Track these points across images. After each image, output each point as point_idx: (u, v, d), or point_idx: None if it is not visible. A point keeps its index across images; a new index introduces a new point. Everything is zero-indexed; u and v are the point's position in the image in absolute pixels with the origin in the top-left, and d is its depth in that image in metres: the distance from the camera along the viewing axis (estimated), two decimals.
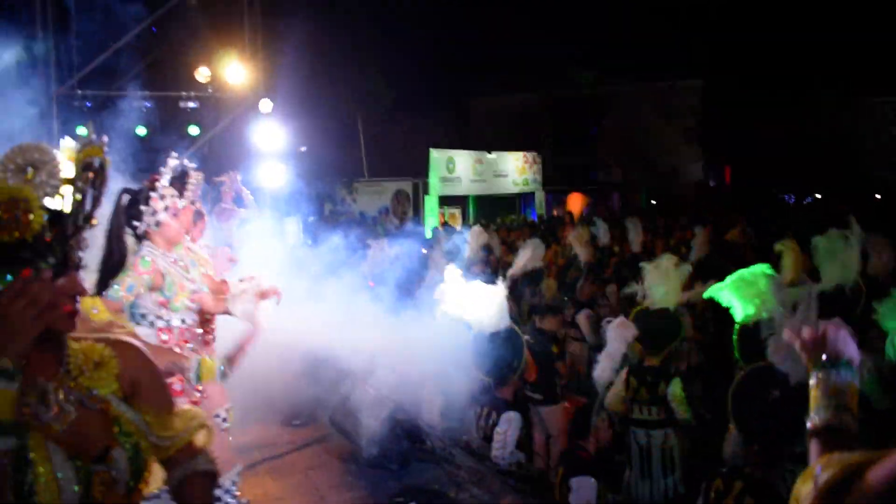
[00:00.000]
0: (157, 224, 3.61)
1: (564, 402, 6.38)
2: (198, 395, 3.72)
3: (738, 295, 4.63)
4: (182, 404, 2.53)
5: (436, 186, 19.50)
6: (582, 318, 7.69)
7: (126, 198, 3.58)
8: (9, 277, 1.41)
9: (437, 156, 19.62)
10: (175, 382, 3.52)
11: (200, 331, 3.90)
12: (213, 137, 12.19)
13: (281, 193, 11.75)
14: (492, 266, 9.73)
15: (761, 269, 4.70)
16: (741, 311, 4.59)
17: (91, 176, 1.51)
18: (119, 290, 3.50)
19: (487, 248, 10.57)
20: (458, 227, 18.07)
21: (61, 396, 1.54)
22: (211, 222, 5.94)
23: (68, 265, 1.48)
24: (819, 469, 1.27)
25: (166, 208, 3.62)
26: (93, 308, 3.61)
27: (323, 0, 20.05)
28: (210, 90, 12.55)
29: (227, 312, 3.90)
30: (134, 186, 3.69)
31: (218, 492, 3.61)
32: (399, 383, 5.44)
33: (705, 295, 4.83)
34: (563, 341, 7.78)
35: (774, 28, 24.78)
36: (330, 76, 20.98)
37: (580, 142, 28.77)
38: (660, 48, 24.93)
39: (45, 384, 1.52)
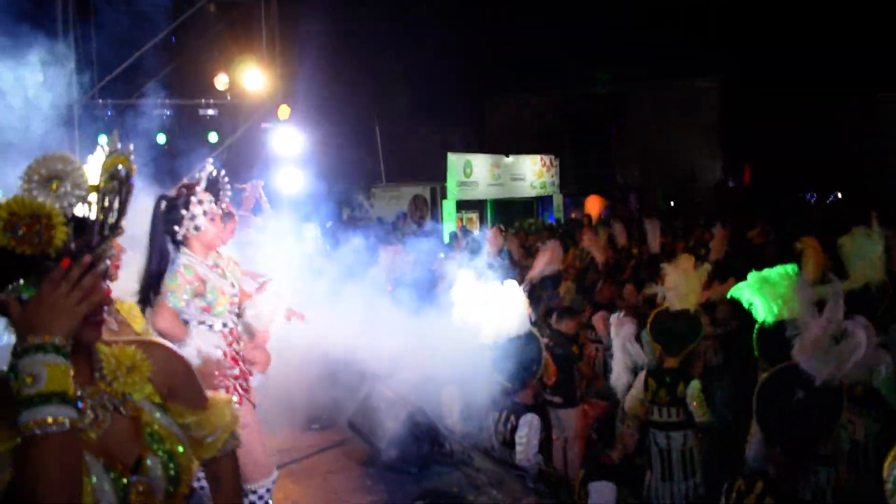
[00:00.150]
0: (197, 228, 3.66)
1: (583, 404, 6.36)
2: (243, 394, 3.75)
3: (761, 295, 4.60)
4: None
5: (453, 191, 19.50)
6: (598, 321, 7.65)
7: (164, 204, 3.64)
8: (32, 290, 1.43)
9: (454, 160, 19.63)
10: (221, 385, 3.57)
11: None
12: (232, 144, 12.28)
13: (299, 199, 11.81)
14: (510, 270, 9.71)
15: (785, 269, 4.66)
16: (763, 311, 4.56)
17: (117, 185, 1.52)
18: (178, 297, 3.55)
19: (506, 252, 10.55)
20: (476, 231, 18.07)
21: (97, 402, 1.57)
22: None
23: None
24: None
25: (205, 213, 3.67)
26: (130, 312, 3.67)
27: (340, 6, 20.14)
28: (229, 97, 12.66)
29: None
30: (170, 193, 3.74)
31: (253, 497, 3.65)
32: (418, 386, 5.46)
33: (727, 294, 4.81)
34: (581, 343, 7.76)
35: (794, 26, 24.59)
36: (347, 82, 21.08)
37: (598, 144, 28.68)
38: (677, 48, 24.83)
39: (81, 390, 1.53)
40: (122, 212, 1.54)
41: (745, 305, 4.65)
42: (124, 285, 3.62)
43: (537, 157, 22.95)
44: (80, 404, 1.51)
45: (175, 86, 12.14)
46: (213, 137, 12.47)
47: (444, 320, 5.84)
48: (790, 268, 4.70)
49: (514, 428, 4.81)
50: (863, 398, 4.57)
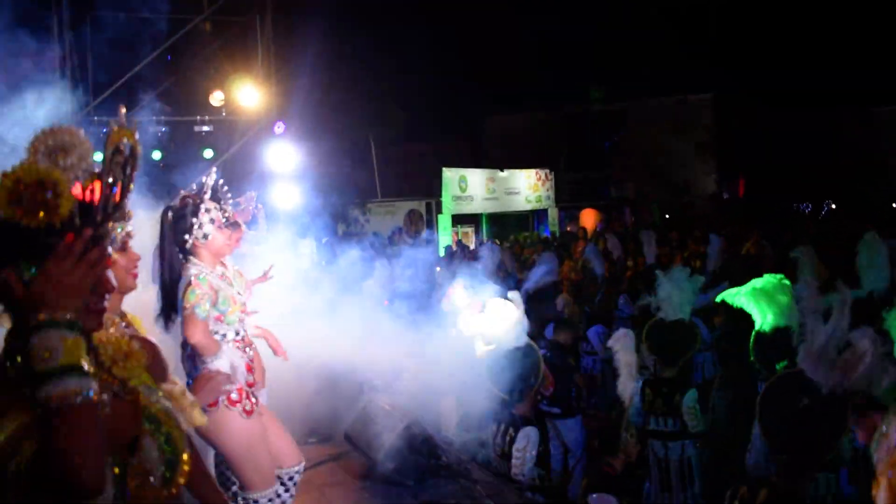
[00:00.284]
0: (205, 237, 3.66)
1: (581, 415, 6.36)
2: (255, 401, 3.74)
3: (756, 302, 4.62)
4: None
5: (449, 205, 19.54)
6: (595, 334, 7.69)
7: (171, 214, 3.65)
8: (33, 271, 1.43)
9: (449, 175, 19.68)
10: (233, 391, 3.57)
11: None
12: (227, 160, 12.30)
13: (294, 214, 11.81)
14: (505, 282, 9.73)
15: (777, 278, 4.69)
16: (761, 318, 4.58)
17: (121, 160, 1.50)
18: (203, 308, 3.55)
19: (502, 265, 10.57)
20: (472, 246, 18.08)
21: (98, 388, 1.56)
22: None
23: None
24: (885, 427, 1.32)
25: (212, 221, 3.68)
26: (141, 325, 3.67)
27: (335, 23, 20.24)
28: (224, 113, 12.70)
29: None
30: (174, 203, 3.75)
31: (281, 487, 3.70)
32: (415, 399, 5.45)
33: (719, 298, 4.82)
34: (578, 354, 7.77)
35: (787, 41, 24.80)
36: (342, 97, 21.17)
37: (593, 158, 28.78)
38: (671, 64, 25.01)
39: None
40: (126, 189, 1.52)
41: (744, 311, 4.66)
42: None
43: (532, 172, 23.02)
44: None
45: (171, 102, 12.18)
46: (208, 153, 12.48)
47: (441, 332, 5.85)
48: (779, 277, 4.73)
49: (511, 440, 4.80)
50: (864, 407, 4.58)
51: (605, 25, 26.05)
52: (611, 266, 10.28)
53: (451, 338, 5.93)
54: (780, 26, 25.52)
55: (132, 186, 1.54)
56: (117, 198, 1.51)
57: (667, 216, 24.44)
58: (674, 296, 5.51)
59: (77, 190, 1.47)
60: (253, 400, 3.70)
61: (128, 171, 1.52)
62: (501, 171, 21.95)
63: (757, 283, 4.66)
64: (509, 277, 10.25)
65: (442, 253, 15.35)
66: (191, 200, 3.69)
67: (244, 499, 3.63)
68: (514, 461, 4.70)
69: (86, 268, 1.41)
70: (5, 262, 1.44)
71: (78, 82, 10.70)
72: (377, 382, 5.51)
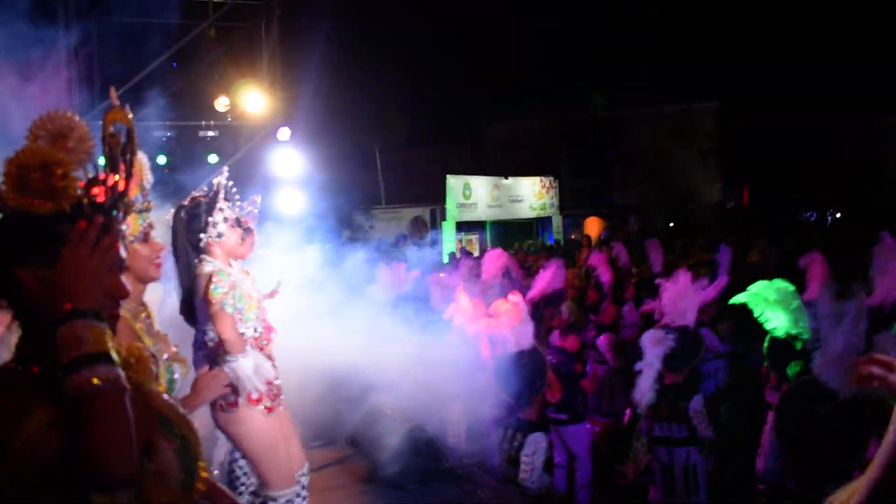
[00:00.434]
0: (219, 236, 3.68)
1: (588, 421, 6.34)
2: (276, 399, 3.73)
3: (769, 307, 4.60)
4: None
5: (453, 212, 19.55)
6: (603, 342, 7.63)
7: (184, 214, 3.66)
8: (46, 266, 1.41)
9: (453, 182, 19.69)
10: (253, 392, 3.57)
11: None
12: (232, 165, 12.32)
13: (299, 220, 11.83)
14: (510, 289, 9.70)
15: (784, 284, 4.67)
16: (773, 323, 4.55)
17: (118, 142, 1.49)
18: (230, 304, 3.55)
19: (506, 273, 10.54)
20: (476, 253, 18.08)
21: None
22: None
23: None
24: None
25: (225, 220, 3.70)
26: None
27: (339, 29, 20.33)
28: (229, 119, 12.73)
29: None
30: (186, 203, 3.77)
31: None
32: (418, 403, 5.43)
33: (732, 302, 4.79)
34: (586, 361, 7.73)
35: (790, 49, 24.80)
36: (347, 104, 21.22)
37: (597, 165, 28.80)
38: (674, 71, 25.02)
39: None
40: (128, 174, 1.50)
41: (756, 316, 4.64)
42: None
43: (536, 179, 23.04)
44: None
45: (176, 107, 12.21)
46: (213, 159, 12.51)
47: (445, 336, 5.85)
48: (785, 282, 4.72)
49: (520, 446, 4.73)
50: (879, 414, 4.55)
51: (608, 31, 26.08)
52: (616, 273, 10.24)
53: (455, 341, 5.93)
54: (783, 30, 25.53)
55: (136, 170, 1.53)
56: (122, 183, 1.49)
57: (671, 224, 24.42)
58: (677, 301, 5.49)
59: (82, 174, 1.46)
60: (274, 398, 3.70)
61: (127, 155, 1.50)
62: (506, 178, 21.96)
63: (766, 288, 4.64)
64: (514, 284, 10.23)
65: (446, 260, 15.35)
66: (204, 200, 3.71)
67: (264, 496, 3.64)
68: (522, 467, 4.65)
69: (101, 255, 1.40)
70: (18, 261, 1.43)
71: (82, 87, 10.72)
72: (381, 386, 5.49)
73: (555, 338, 6.72)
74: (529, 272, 11.61)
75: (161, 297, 4.34)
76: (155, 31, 11.38)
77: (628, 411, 5.54)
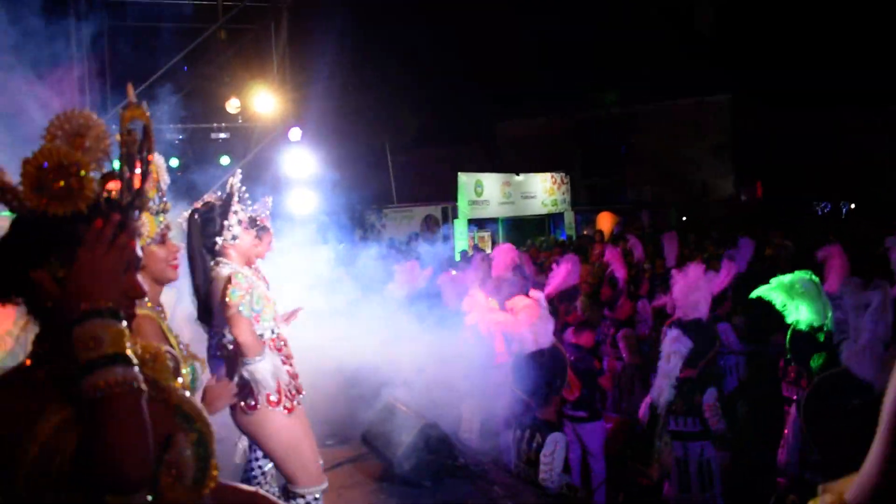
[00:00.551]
0: (234, 238, 3.70)
1: (603, 419, 6.31)
2: (296, 399, 3.75)
3: (791, 299, 4.56)
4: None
5: (465, 210, 19.52)
6: (622, 338, 7.59)
7: (198, 217, 3.68)
8: (63, 267, 1.41)
9: (465, 179, 19.67)
10: (272, 394, 3.59)
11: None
12: (244, 166, 12.38)
13: (311, 220, 11.87)
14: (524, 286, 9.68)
15: (808, 274, 4.63)
16: (796, 315, 4.51)
17: (135, 140, 1.48)
18: (247, 307, 3.57)
19: (520, 269, 10.51)
20: (489, 251, 18.05)
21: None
22: None
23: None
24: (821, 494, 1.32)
25: (240, 222, 3.72)
26: None
27: (349, 30, 20.35)
28: (240, 120, 12.78)
29: None
30: (199, 206, 3.78)
31: (300, 501, 3.68)
32: (432, 400, 5.44)
33: (753, 295, 4.76)
34: (600, 357, 7.70)
35: (802, 40, 24.62)
36: (358, 103, 21.24)
37: (609, 162, 28.70)
38: (686, 66, 24.90)
39: None
40: (145, 172, 1.50)
41: (779, 309, 4.61)
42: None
43: (548, 175, 22.97)
44: None
45: (187, 109, 12.27)
46: (224, 160, 12.57)
47: (459, 333, 5.84)
48: (809, 273, 4.68)
49: (539, 446, 4.63)
50: None
51: (616, 29, 25.98)
52: (631, 269, 10.18)
53: (469, 338, 5.92)
54: (796, 25, 25.34)
55: (153, 169, 1.53)
56: (138, 181, 1.49)
57: (684, 219, 24.31)
58: (690, 295, 5.47)
59: (99, 174, 1.47)
60: (293, 397, 3.71)
61: (144, 152, 1.50)
62: (517, 175, 21.92)
63: (788, 280, 4.60)
64: (527, 281, 10.21)
65: (458, 258, 15.34)
66: (218, 203, 3.73)
67: (292, 493, 3.66)
68: (542, 467, 4.55)
69: (118, 253, 1.41)
70: (35, 261, 1.43)
71: (94, 88, 10.80)
72: (395, 383, 5.50)
73: (569, 334, 6.70)
74: (542, 268, 11.58)
75: (174, 300, 4.36)
76: (166, 33, 11.44)
77: (642, 408, 5.49)
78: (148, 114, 1.52)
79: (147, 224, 2.76)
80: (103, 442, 1.30)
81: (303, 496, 3.66)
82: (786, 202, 23.34)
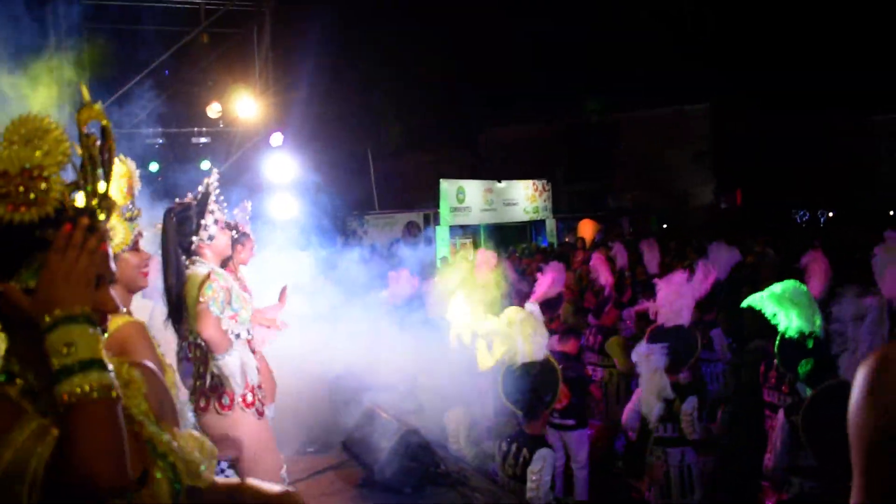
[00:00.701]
0: (210, 238, 3.67)
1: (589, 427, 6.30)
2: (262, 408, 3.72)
3: (782, 307, 4.56)
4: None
5: (446, 217, 19.53)
6: (614, 346, 7.58)
7: (174, 217, 3.64)
8: (33, 277, 1.37)
9: (446, 186, 19.68)
10: (248, 394, 3.56)
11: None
12: (225, 171, 12.30)
13: (292, 226, 11.81)
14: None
15: (795, 283, 4.64)
16: (787, 323, 4.52)
17: (94, 142, 1.44)
18: (218, 305, 3.53)
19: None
20: (471, 258, 18.03)
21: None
22: None
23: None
24: None
25: (216, 222, 3.68)
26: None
27: (332, 35, 20.32)
28: (221, 125, 12.71)
29: None
30: (175, 206, 3.75)
31: None
32: (414, 407, 5.41)
33: (745, 304, 4.75)
34: (583, 364, 7.69)
35: (783, 50, 24.90)
36: (340, 109, 21.20)
37: (591, 169, 28.85)
38: (667, 71, 25.09)
39: None
40: (107, 175, 1.46)
41: (769, 317, 4.61)
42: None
43: (529, 182, 23.04)
44: None
45: (168, 114, 12.18)
46: (205, 165, 12.48)
47: (442, 341, 5.81)
48: (797, 282, 4.68)
49: (525, 462, 4.52)
50: None
51: (600, 35, 26.15)
52: (615, 276, 10.20)
53: (451, 347, 5.89)
54: (775, 32, 25.64)
55: (127, 175, 1.50)
56: (102, 184, 1.45)
57: (664, 226, 24.47)
58: (672, 301, 5.48)
59: (62, 177, 1.43)
60: (263, 402, 3.69)
61: (105, 154, 1.46)
62: (499, 181, 21.96)
63: (779, 290, 4.61)
64: (509, 288, 10.19)
65: (440, 264, 15.31)
66: (194, 203, 3.70)
67: None
68: (529, 484, 4.46)
69: (89, 257, 1.37)
70: (5, 275, 1.39)
71: (75, 93, 10.69)
72: (376, 390, 5.47)
73: (553, 342, 6.68)
74: (523, 275, 11.59)
75: (150, 313, 4.31)
76: (147, 38, 11.35)
77: (625, 416, 5.47)
78: (104, 113, 1.48)
79: (122, 231, 2.72)
80: (79, 448, 1.27)
81: None
82: (765, 210, 23.57)
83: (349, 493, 4.94)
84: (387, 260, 11.98)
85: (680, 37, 25.96)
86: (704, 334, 7.26)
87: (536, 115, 28.45)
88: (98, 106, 1.47)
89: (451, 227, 19.79)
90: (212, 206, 3.70)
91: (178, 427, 1.73)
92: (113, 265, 1.49)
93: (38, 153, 1.39)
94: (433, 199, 19.69)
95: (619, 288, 9.51)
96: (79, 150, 1.45)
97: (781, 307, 4.52)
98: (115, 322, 2.53)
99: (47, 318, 1.32)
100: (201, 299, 3.49)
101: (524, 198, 22.75)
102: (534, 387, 4.64)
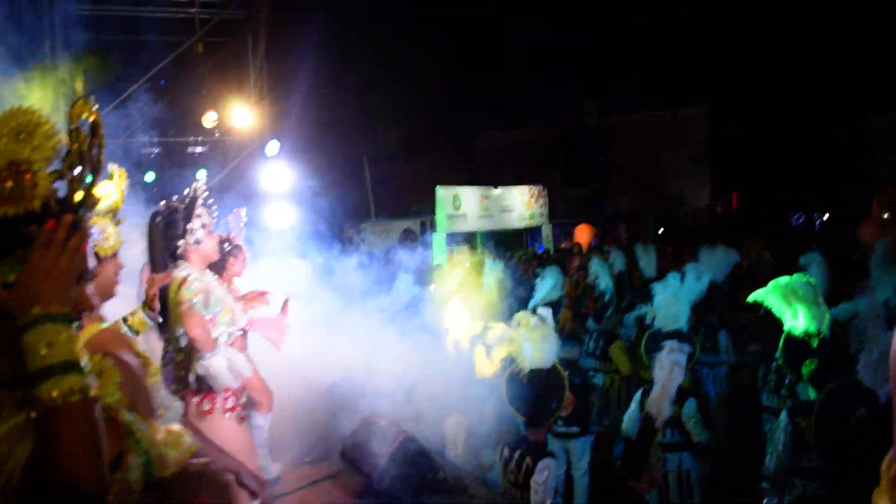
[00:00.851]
0: (197, 242, 3.66)
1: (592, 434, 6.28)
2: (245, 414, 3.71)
3: (788, 304, 4.50)
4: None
5: (443, 223, 19.52)
6: (619, 350, 7.55)
7: (160, 221, 3.63)
8: (13, 271, 1.37)
9: (443, 193, 19.68)
10: (229, 399, 3.54)
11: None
12: (221, 179, 12.30)
13: (288, 234, 11.79)
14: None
15: (805, 279, 4.58)
16: (793, 321, 4.46)
17: (84, 137, 1.44)
18: (201, 305, 3.51)
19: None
20: (467, 264, 18.00)
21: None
22: None
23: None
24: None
25: (203, 226, 3.68)
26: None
27: (327, 43, 20.34)
28: (217, 134, 12.71)
29: None
30: (162, 210, 3.74)
31: None
32: (413, 415, 5.39)
33: (750, 299, 4.68)
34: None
35: (779, 53, 24.98)
36: (335, 117, 21.21)
37: (587, 173, 28.88)
38: (664, 78, 25.13)
39: None
40: (95, 170, 1.46)
41: (775, 313, 4.55)
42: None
43: (526, 188, 23.05)
44: None
45: (164, 123, 12.18)
46: (201, 174, 12.48)
47: (440, 348, 5.80)
48: (807, 278, 4.60)
49: (528, 470, 4.45)
50: None
51: (597, 39, 26.18)
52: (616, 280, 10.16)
53: (450, 353, 5.89)
54: (771, 35, 25.70)
55: (101, 169, 1.48)
56: (89, 180, 1.45)
57: (661, 230, 24.48)
58: (668, 305, 5.47)
59: (50, 173, 1.42)
60: (245, 407, 3.68)
61: (94, 150, 1.46)
62: (495, 188, 21.98)
63: (785, 282, 4.53)
64: (508, 294, 10.17)
65: (436, 271, 15.29)
66: (181, 206, 3.69)
67: None
68: (533, 494, 4.40)
69: (71, 255, 1.36)
70: None
71: (70, 102, 10.68)
72: (374, 398, 5.44)
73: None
74: (520, 281, 11.58)
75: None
76: (143, 47, 11.36)
77: (626, 421, 5.45)
78: (95, 108, 1.48)
79: (114, 236, 2.71)
80: (58, 450, 1.27)
81: None
82: (761, 213, 23.59)
83: (347, 502, 4.91)
84: (384, 267, 11.95)
85: (676, 40, 26.01)
86: (708, 337, 7.26)
87: (533, 118, 28.48)
88: (90, 101, 1.47)
89: (448, 234, 19.78)
90: (199, 210, 3.69)
91: (154, 418, 1.73)
92: (92, 262, 1.48)
93: (27, 148, 1.38)
94: (429, 205, 19.69)
95: (619, 292, 9.48)
96: (65, 140, 1.44)
97: (787, 302, 4.45)
98: (89, 329, 2.52)
99: (26, 315, 1.31)
100: (181, 300, 3.49)
101: (520, 204, 22.75)
102: (540, 394, 4.53)
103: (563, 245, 21.49)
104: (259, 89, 12.78)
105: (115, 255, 2.78)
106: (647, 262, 9.99)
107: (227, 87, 12.73)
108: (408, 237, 20.86)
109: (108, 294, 2.82)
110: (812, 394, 4.14)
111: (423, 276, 9.29)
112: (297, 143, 14.34)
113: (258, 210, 11.36)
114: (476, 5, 24.31)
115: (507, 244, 21.68)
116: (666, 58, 25.29)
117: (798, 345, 4.36)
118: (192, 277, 3.57)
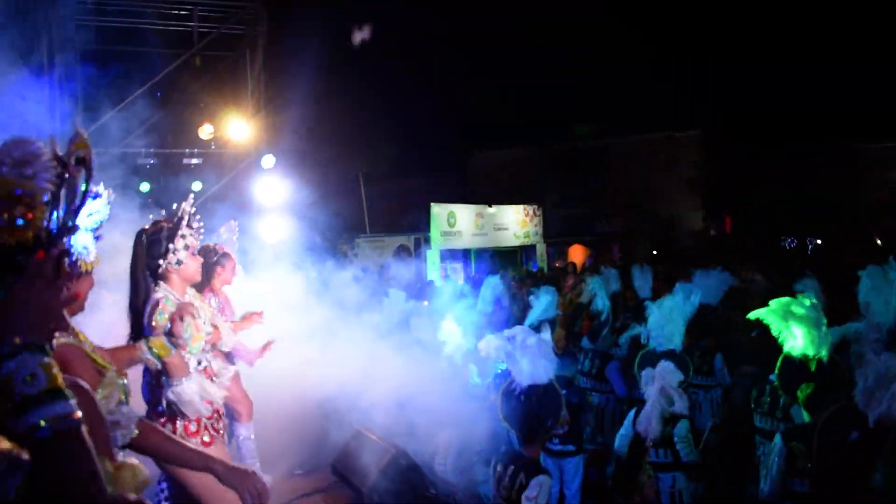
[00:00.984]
0: (178, 263, 3.63)
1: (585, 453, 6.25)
2: (216, 434, 3.66)
3: (787, 326, 4.48)
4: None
5: (437, 241, 19.54)
6: (616, 371, 7.53)
7: (145, 238, 3.61)
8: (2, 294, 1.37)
9: (437, 210, 19.72)
10: (191, 423, 3.51)
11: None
12: (216, 193, 12.29)
13: (283, 249, 11.77)
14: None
15: (811, 302, 4.56)
16: (792, 342, 4.44)
17: (79, 172, 1.46)
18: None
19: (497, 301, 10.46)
20: (461, 282, 18.01)
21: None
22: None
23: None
24: None
25: (186, 247, 3.65)
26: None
27: (324, 58, 20.43)
28: (213, 147, 12.72)
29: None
30: (148, 228, 3.71)
31: None
32: (405, 430, 5.35)
33: (752, 316, 4.66)
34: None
35: (770, 78, 25.22)
36: (331, 132, 21.28)
37: (581, 194, 29.00)
38: (658, 100, 25.36)
39: None
40: (82, 202, 1.47)
41: (773, 334, 4.53)
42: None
43: (520, 207, 23.11)
44: None
45: (160, 136, 12.18)
46: (196, 186, 12.46)
47: (434, 363, 5.79)
48: (814, 301, 4.58)
49: (521, 486, 4.42)
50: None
51: (591, 61, 26.42)
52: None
53: (443, 368, 5.87)
54: (764, 58, 25.99)
55: (86, 198, 1.49)
56: (76, 214, 1.47)
57: (654, 252, 24.55)
58: (664, 325, 5.47)
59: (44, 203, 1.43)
60: (213, 430, 3.63)
61: (82, 186, 1.47)
62: (490, 206, 22.03)
63: (786, 301, 4.52)
64: (502, 311, 10.17)
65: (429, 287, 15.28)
66: (166, 225, 3.67)
67: None
68: None
69: (56, 291, 1.37)
70: None
71: (66, 117, 10.68)
72: (365, 413, 5.42)
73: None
74: (514, 299, 11.58)
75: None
76: (140, 59, 11.38)
77: (618, 439, 5.43)
78: (89, 143, 1.50)
79: (93, 252, 2.68)
80: (61, 481, 1.27)
81: None
82: (754, 236, 23.70)
83: None
84: (378, 282, 11.93)
85: (671, 63, 26.26)
86: (703, 360, 7.27)
87: (527, 139, 28.63)
88: (85, 138, 1.50)
89: (442, 251, 19.79)
90: (184, 230, 3.67)
91: (109, 450, 1.73)
92: (72, 290, 1.50)
93: (26, 181, 1.39)
94: (424, 222, 19.72)
95: (615, 312, 9.48)
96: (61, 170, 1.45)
97: (786, 324, 4.45)
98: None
99: (5, 345, 1.32)
100: (156, 325, 3.46)
101: (515, 223, 22.81)
102: (536, 410, 4.46)
103: (557, 264, 21.52)
104: (255, 103, 12.81)
105: (89, 273, 2.75)
106: (643, 283, 10.00)
107: (223, 101, 12.76)
108: (401, 253, 20.85)
109: (78, 310, 2.79)
110: (806, 417, 4.13)
111: (416, 292, 9.28)
112: (293, 157, 14.34)
113: (253, 223, 11.35)
114: (473, 27, 24.51)
115: (502, 262, 21.71)
116: (660, 81, 25.51)
117: (795, 367, 4.35)
118: (165, 301, 3.54)
